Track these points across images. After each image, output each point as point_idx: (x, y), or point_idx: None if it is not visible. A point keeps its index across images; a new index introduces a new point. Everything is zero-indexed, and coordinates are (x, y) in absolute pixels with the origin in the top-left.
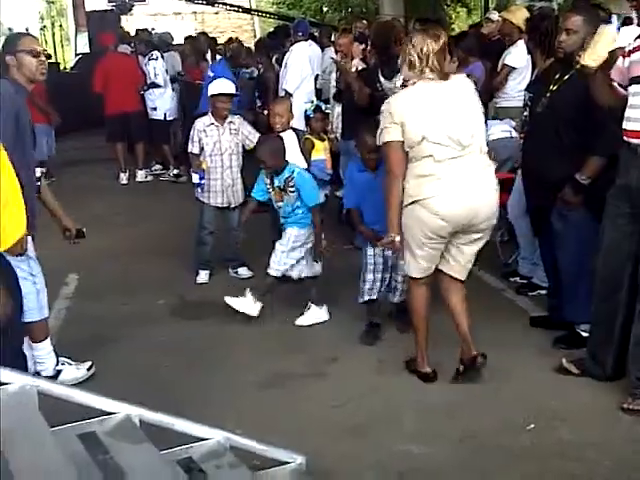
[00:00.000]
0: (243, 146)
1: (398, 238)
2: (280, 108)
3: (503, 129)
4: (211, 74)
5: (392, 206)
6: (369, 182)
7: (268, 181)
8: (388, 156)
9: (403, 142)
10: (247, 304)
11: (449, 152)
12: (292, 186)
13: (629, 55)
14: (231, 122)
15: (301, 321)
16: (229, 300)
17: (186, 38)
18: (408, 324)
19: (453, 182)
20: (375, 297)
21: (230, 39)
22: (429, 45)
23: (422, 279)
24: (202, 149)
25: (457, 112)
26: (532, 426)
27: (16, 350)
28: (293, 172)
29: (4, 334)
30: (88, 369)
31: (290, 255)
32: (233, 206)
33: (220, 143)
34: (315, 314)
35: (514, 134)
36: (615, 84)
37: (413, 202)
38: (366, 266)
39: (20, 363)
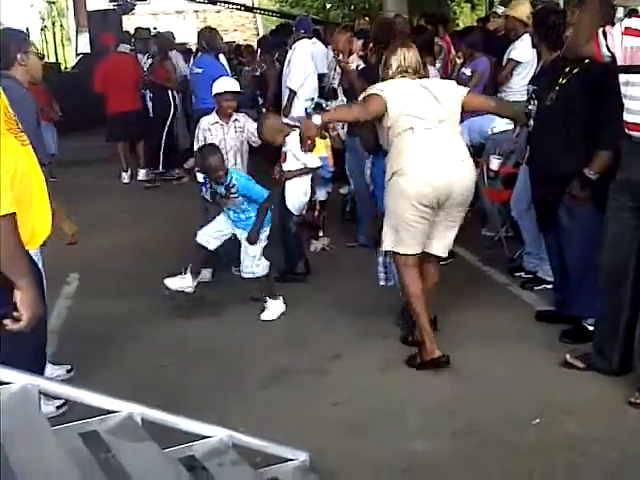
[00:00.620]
0: (249, 143)
1: (318, 121)
2: (267, 131)
3: (507, 121)
4: (199, 70)
5: (340, 109)
6: (371, 165)
7: (210, 190)
8: (366, 100)
9: (385, 103)
10: (183, 282)
11: (425, 124)
12: (234, 192)
13: (630, 34)
14: (236, 120)
15: (266, 316)
16: (168, 282)
17: (153, 35)
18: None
19: (431, 151)
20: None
21: (202, 29)
22: (407, 55)
23: (410, 259)
24: None
25: (433, 95)
26: (538, 420)
27: (41, 349)
28: (232, 178)
29: (33, 333)
30: (68, 371)
31: (259, 257)
32: None
33: (225, 142)
34: (277, 307)
35: None
36: (604, 47)
37: (394, 174)
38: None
39: (42, 363)
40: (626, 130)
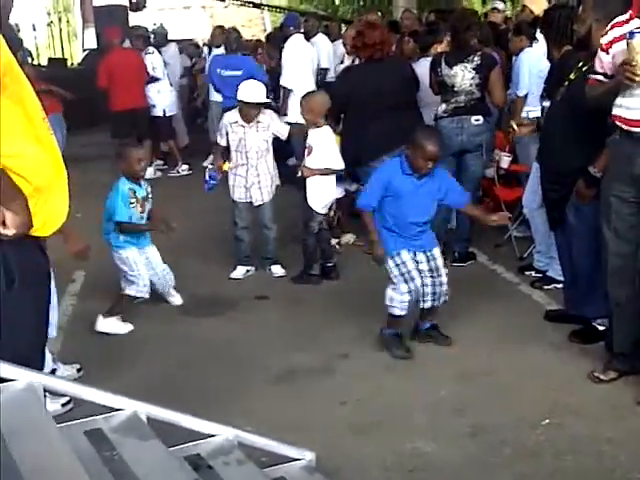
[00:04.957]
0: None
1: None
2: (308, 105)
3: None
4: (236, 72)
5: None
6: (413, 188)
7: (132, 194)
8: None
9: None
10: (115, 325)
11: None
12: (150, 197)
13: (610, 46)
14: (258, 121)
15: (99, 327)
16: (100, 327)
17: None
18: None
19: None
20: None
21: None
22: None
23: None
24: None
25: None
26: (547, 421)
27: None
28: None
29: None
30: (78, 370)
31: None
32: (259, 203)
33: (245, 141)
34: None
35: None
36: (601, 77)
37: None
38: (407, 274)
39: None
40: (626, 127)
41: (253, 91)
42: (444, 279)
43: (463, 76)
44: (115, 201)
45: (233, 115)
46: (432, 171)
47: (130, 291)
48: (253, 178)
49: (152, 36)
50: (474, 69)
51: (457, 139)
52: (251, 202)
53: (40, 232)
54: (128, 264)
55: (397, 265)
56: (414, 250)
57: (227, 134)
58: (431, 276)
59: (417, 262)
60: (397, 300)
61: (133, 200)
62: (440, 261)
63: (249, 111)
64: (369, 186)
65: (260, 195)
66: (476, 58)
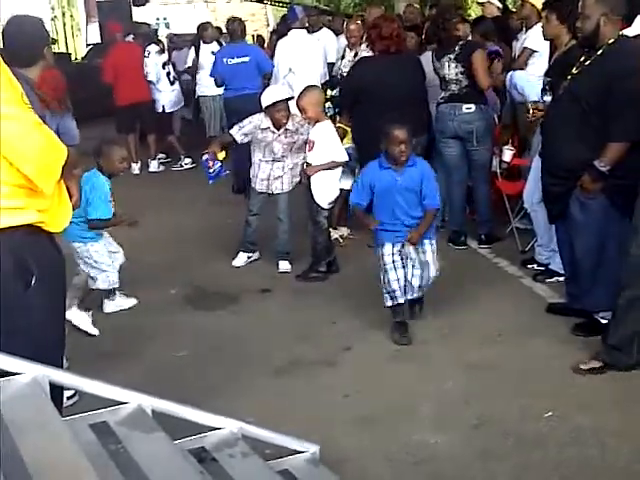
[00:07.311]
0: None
1: None
2: (306, 101)
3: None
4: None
5: None
6: (392, 181)
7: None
8: None
9: None
10: (84, 321)
11: None
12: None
13: None
14: (286, 129)
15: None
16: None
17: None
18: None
19: None
20: (402, 300)
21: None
22: None
23: None
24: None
25: None
26: (550, 413)
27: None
28: None
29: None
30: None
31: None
32: (277, 192)
33: (272, 146)
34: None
35: None
36: None
37: None
38: (385, 266)
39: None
40: None
41: (273, 91)
42: (432, 273)
43: (448, 67)
44: (98, 198)
45: (264, 121)
46: (412, 160)
47: (101, 284)
48: (278, 172)
49: (168, 40)
50: (455, 58)
51: (450, 124)
52: (269, 193)
53: (54, 227)
54: (99, 255)
55: (381, 255)
56: (402, 242)
57: (251, 134)
58: (420, 268)
59: (405, 253)
60: (384, 289)
61: (111, 198)
62: (430, 255)
63: (279, 112)
64: (357, 185)
65: (280, 185)
66: (457, 48)
